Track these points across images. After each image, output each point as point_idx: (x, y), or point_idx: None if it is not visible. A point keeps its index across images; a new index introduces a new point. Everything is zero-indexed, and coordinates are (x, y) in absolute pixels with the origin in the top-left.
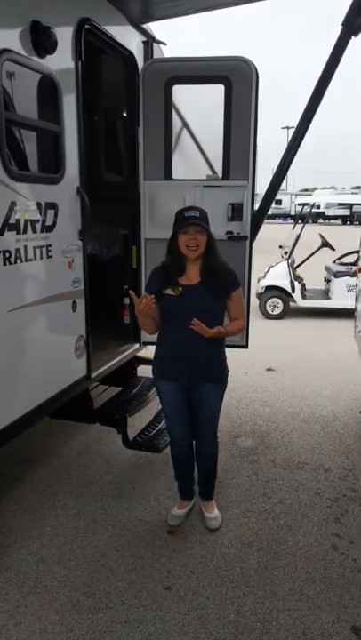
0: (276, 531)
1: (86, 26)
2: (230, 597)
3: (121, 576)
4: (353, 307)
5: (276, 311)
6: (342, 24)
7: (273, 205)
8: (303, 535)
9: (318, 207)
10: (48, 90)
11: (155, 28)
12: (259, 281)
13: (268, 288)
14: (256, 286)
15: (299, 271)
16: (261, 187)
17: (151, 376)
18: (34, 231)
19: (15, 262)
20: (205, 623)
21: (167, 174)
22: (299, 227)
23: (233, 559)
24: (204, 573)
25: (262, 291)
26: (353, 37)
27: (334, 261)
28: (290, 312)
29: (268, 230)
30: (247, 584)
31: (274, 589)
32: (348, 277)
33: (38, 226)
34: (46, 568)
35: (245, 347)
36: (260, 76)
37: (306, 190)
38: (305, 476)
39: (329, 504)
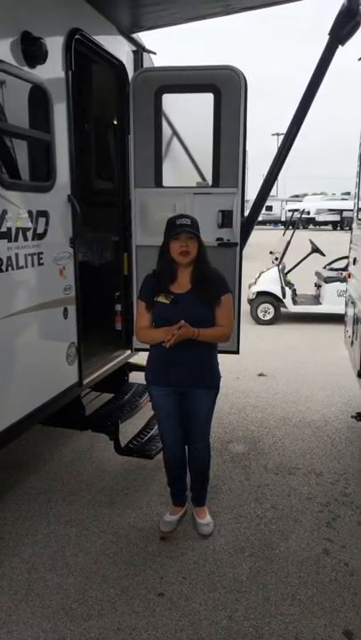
0: (268, 536)
1: (77, 36)
2: (223, 603)
3: (113, 583)
4: (343, 312)
5: (268, 317)
6: (329, 33)
7: (263, 211)
8: (295, 540)
9: (308, 213)
10: (39, 99)
11: (145, 37)
12: (250, 287)
13: (260, 294)
14: (247, 292)
15: (289, 277)
16: (252, 193)
17: (143, 382)
18: (25, 239)
19: (6, 270)
20: (198, 629)
21: (158, 182)
22: (289, 233)
23: (225, 565)
24: (196, 579)
25: (253, 296)
26: (340, 46)
27: (325, 267)
28: (281, 317)
29: (259, 236)
30: (240, 589)
31: (266, 594)
32: (338, 283)
33: (29, 234)
34: (38, 576)
35: (237, 352)
36: (248, 83)
37: (296, 196)
38: (297, 481)
39: (321, 509)
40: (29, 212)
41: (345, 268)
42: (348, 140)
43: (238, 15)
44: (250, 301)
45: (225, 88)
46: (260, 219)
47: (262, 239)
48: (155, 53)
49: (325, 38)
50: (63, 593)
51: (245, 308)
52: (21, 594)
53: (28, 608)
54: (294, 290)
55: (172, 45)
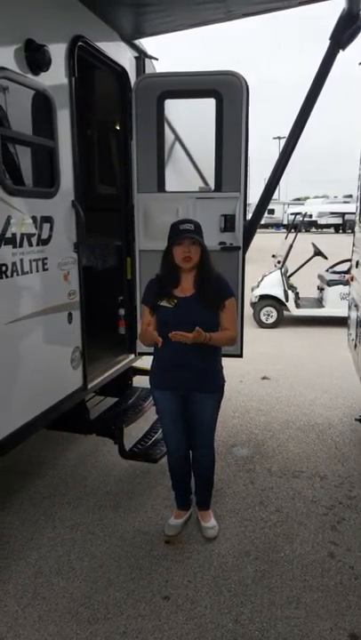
0: (273, 539)
1: (79, 43)
2: (228, 606)
3: (119, 586)
4: (346, 315)
5: (271, 320)
6: (330, 38)
7: (266, 215)
8: (300, 543)
9: (311, 216)
10: (42, 106)
11: (148, 40)
12: (252, 290)
13: (262, 297)
14: (250, 295)
15: (292, 280)
16: (254, 196)
17: (147, 386)
18: (30, 245)
19: (12, 276)
20: (204, 632)
21: (160, 186)
22: (291, 236)
23: (230, 568)
24: (201, 583)
25: (256, 300)
26: (341, 51)
27: (327, 270)
28: (284, 321)
29: (261, 239)
30: (245, 593)
31: (271, 598)
32: (341, 286)
33: (34, 239)
34: (44, 580)
35: (240, 356)
36: (250, 86)
37: (298, 199)
38: (301, 484)
39: (325, 512)
40: (34, 218)
41: (347, 271)
42: (350, 142)
43: (240, 20)
44: (253, 305)
45: (226, 93)
46: (262, 222)
47: (265, 242)
48: (157, 59)
49: (326, 43)
50: (69, 596)
51: (248, 311)
52: (28, 597)
53: (35, 612)
54: (297, 293)
55: (175, 48)
